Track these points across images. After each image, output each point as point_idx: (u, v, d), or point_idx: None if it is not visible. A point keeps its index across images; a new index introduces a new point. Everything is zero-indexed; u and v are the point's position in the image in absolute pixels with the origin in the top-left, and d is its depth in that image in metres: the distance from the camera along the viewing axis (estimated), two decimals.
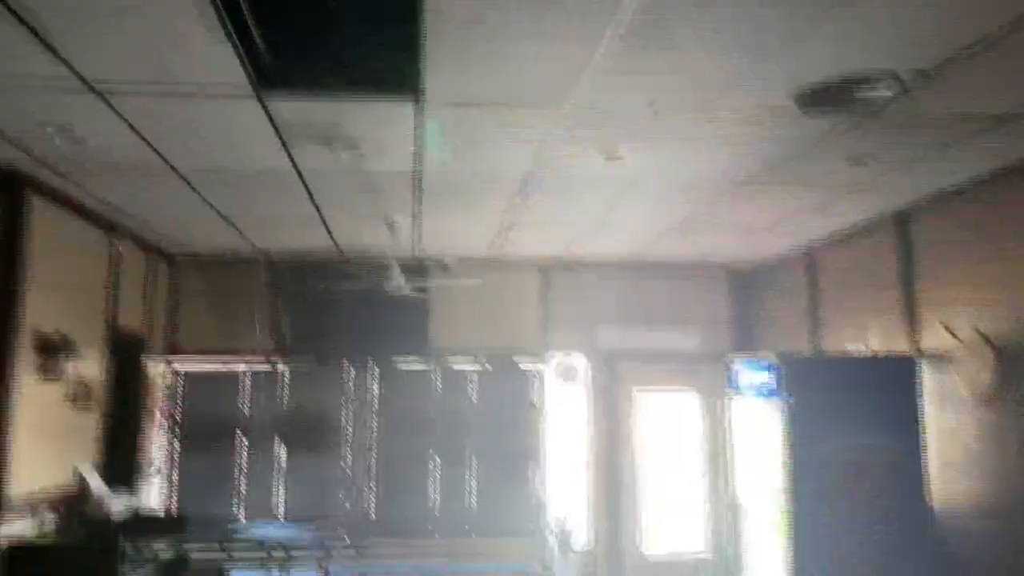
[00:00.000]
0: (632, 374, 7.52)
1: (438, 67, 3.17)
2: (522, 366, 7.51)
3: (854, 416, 4.94)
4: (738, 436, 5.79)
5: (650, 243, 6.67)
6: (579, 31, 2.86)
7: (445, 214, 5.70)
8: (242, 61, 3.11)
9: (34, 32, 2.86)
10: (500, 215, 5.70)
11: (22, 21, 2.77)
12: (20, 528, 4.46)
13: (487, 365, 7.47)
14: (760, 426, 5.30)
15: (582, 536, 7.15)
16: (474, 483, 7.35)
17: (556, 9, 2.70)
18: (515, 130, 3.91)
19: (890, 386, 5.03)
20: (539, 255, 7.24)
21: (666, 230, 6.18)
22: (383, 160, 4.41)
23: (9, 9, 2.68)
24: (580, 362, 7.57)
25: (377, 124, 3.85)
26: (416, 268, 7.09)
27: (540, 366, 7.52)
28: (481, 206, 5.49)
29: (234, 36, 2.89)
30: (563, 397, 7.56)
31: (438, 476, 7.33)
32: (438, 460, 7.36)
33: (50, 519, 4.81)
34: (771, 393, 5.10)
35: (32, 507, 4.60)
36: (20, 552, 4.39)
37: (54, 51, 3.01)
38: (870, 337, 5.62)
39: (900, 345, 5.22)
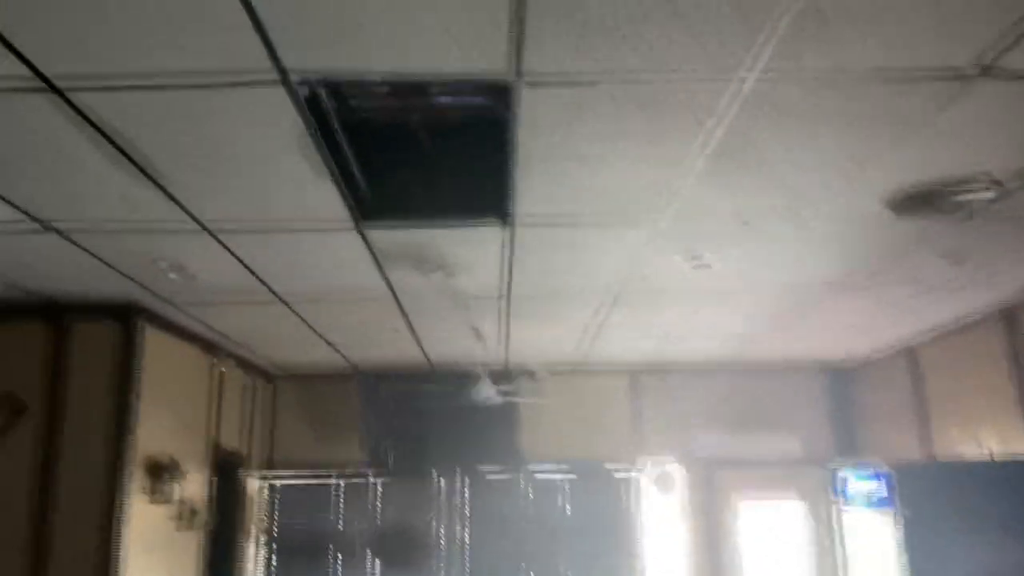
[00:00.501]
0: (731, 481, 7.25)
1: (527, 191, 3.26)
2: (615, 474, 7.35)
3: (977, 526, 4.62)
4: (850, 549, 5.47)
5: (742, 345, 6.55)
6: (667, 152, 2.92)
7: (532, 324, 5.75)
8: (343, 196, 3.28)
9: (151, 179, 3.09)
10: (587, 323, 5.72)
11: (141, 170, 3.00)
12: None
13: (577, 473, 7.33)
14: (873, 537, 5.01)
15: None
16: None
17: (645, 132, 2.77)
18: (603, 245, 3.98)
19: (1017, 493, 4.70)
20: (627, 360, 7.17)
21: (757, 332, 6.07)
22: (472, 277, 4.52)
23: (129, 159, 2.91)
24: (675, 469, 7.36)
25: (466, 245, 3.97)
26: (504, 376, 7.11)
27: (633, 474, 7.34)
28: (568, 316, 5.52)
29: (336, 174, 3.07)
30: (659, 506, 7.32)
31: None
32: (531, 572, 7.16)
33: None
34: (883, 503, 4.84)
35: None
36: None
37: (170, 196, 3.25)
38: (985, 439, 5.30)
39: (1019, 446, 4.91)
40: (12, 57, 2.23)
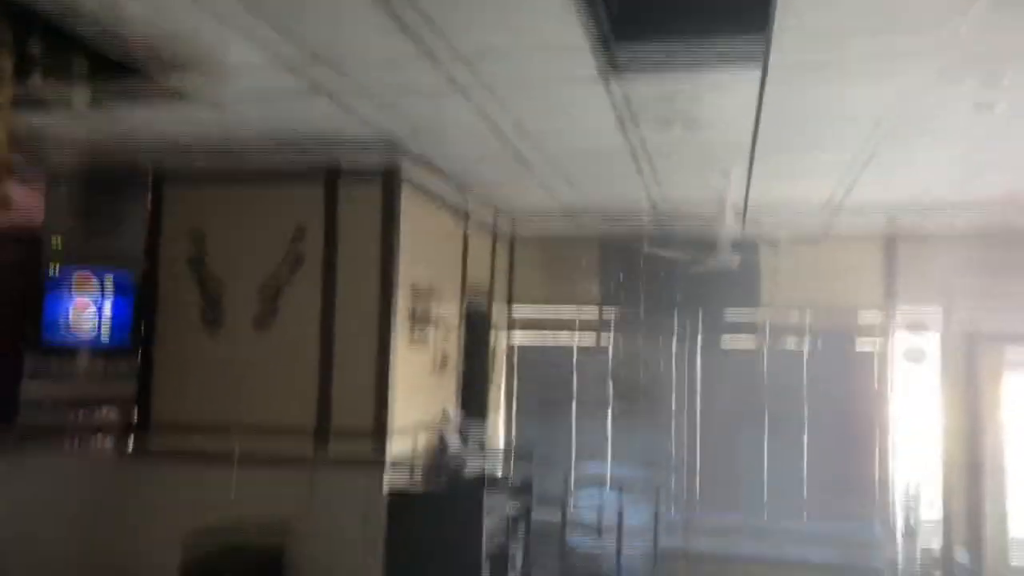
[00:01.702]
0: (992, 355, 6.62)
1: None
2: (862, 344, 7.00)
3: None
4: None
5: (1014, 207, 5.84)
6: None
7: (778, 183, 5.52)
8: (595, 41, 3.25)
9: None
10: (840, 173, 5.31)
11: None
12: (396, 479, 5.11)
13: (820, 343, 7.07)
14: None
15: (932, 508, 6.48)
16: (808, 463, 7.02)
17: None
18: (869, 75, 3.59)
19: None
20: (879, 225, 6.67)
21: None
22: (718, 130, 4.37)
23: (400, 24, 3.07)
24: (929, 342, 6.85)
25: (715, 91, 3.81)
26: (745, 243, 6.90)
27: (881, 346, 6.95)
28: (818, 171, 5.20)
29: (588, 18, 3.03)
30: (910, 381, 6.90)
31: (769, 454, 7.11)
32: (769, 437, 7.12)
33: (419, 471, 5.44)
34: None
35: (403, 459, 5.24)
36: (399, 499, 5.02)
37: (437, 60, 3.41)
38: None
39: None
40: None
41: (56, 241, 5.03)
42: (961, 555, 5.99)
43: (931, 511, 6.49)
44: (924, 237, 6.74)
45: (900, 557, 6.19)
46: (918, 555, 6.10)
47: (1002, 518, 6.41)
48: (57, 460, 5.03)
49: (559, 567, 6.39)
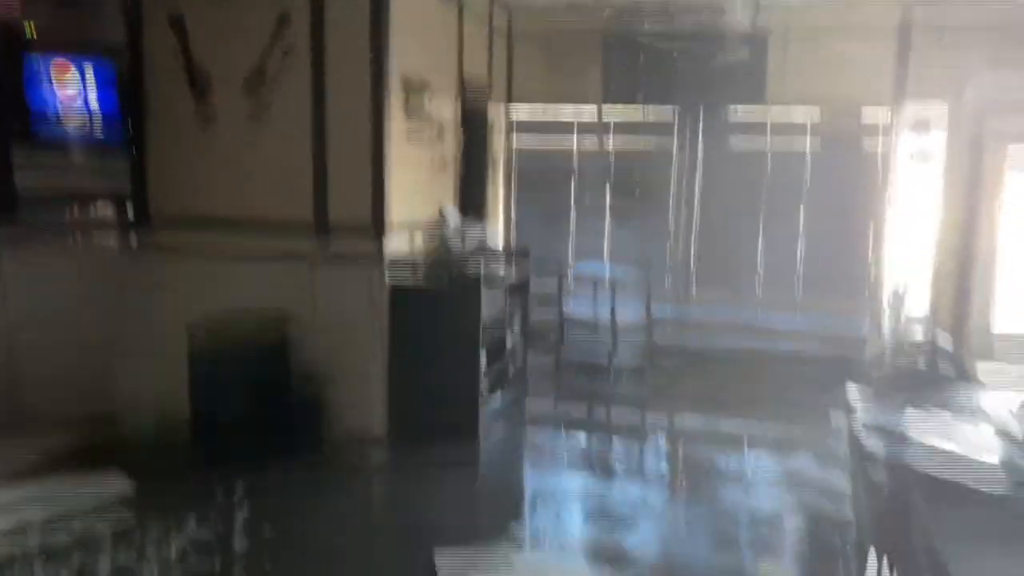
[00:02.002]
0: (1001, 149, 6.50)
1: None
2: (868, 145, 6.88)
3: None
4: None
5: None
6: None
7: None
8: None
9: None
10: None
11: None
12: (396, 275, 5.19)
13: (827, 141, 6.95)
14: None
15: (920, 303, 6.68)
16: (803, 241, 7.13)
17: None
18: None
19: None
20: (896, 17, 6.35)
21: None
22: None
23: None
24: (936, 140, 6.73)
25: None
26: (753, 32, 6.59)
27: (888, 142, 6.83)
28: None
29: None
30: (914, 175, 6.85)
31: (764, 232, 7.21)
32: (765, 216, 7.19)
33: (419, 268, 5.52)
34: None
35: (403, 257, 5.30)
36: (399, 294, 5.14)
37: None
38: None
39: None
40: None
41: (30, 28, 4.81)
42: (944, 340, 6.19)
43: (921, 306, 6.66)
44: (939, 29, 6.44)
45: (888, 350, 6.41)
46: (905, 347, 6.31)
47: (987, 311, 6.60)
48: (61, 257, 5.09)
49: (555, 360, 6.68)
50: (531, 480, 4.72)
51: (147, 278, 5.11)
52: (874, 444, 2.64)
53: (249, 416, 4.62)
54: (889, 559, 2.54)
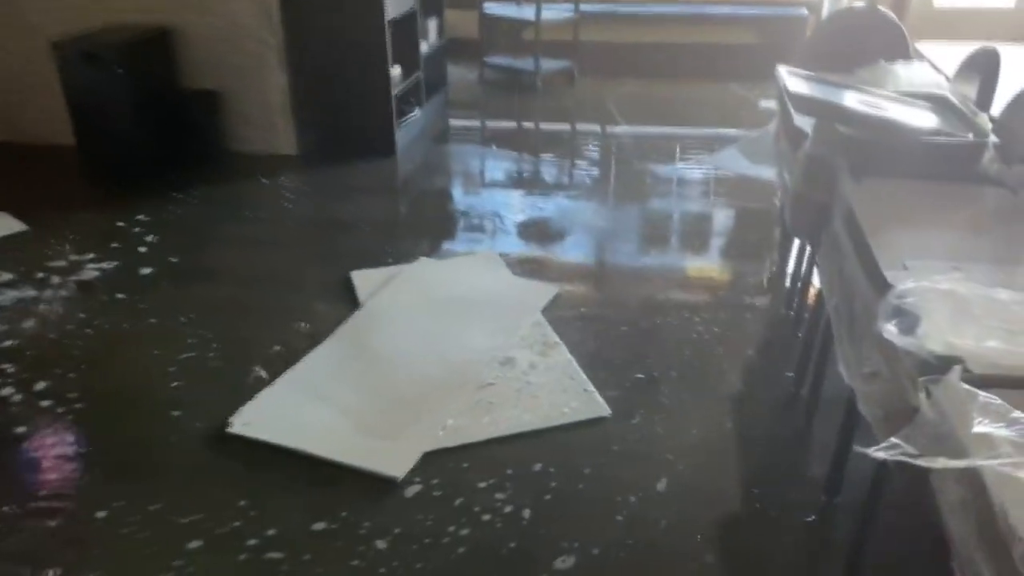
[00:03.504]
0: None
1: None
2: None
3: None
4: None
5: None
6: None
7: None
8: None
9: None
10: None
11: None
12: None
13: None
14: None
15: None
16: None
17: None
18: None
19: None
20: None
21: None
22: None
23: None
24: None
25: None
26: None
27: None
28: None
29: None
30: None
31: None
32: None
33: None
34: None
35: None
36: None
37: None
38: None
39: None
40: None
41: None
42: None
43: None
44: None
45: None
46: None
47: None
48: None
49: (478, 67, 6.22)
50: (455, 196, 4.50)
51: None
52: (803, 121, 2.43)
53: (143, 139, 4.25)
54: (811, 244, 2.44)
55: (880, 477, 1.76)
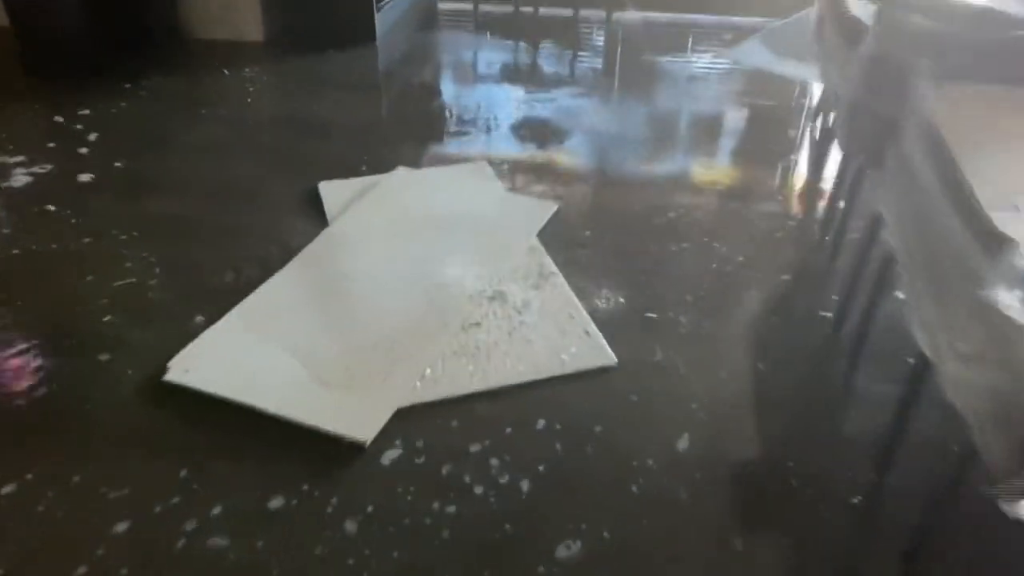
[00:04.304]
0: None
1: None
2: None
3: None
4: None
5: None
6: None
7: None
8: None
9: None
10: None
11: None
12: None
13: None
14: None
15: None
16: None
17: None
18: None
19: None
20: None
21: None
22: None
23: None
24: None
25: None
26: None
27: None
28: None
29: None
30: None
31: None
32: None
33: None
34: None
35: None
36: None
37: None
38: None
39: None
40: None
41: None
42: None
43: None
44: None
45: None
46: None
47: None
48: None
49: None
50: (442, 92, 4.02)
51: None
52: (861, 9, 1.97)
53: (88, 20, 3.75)
54: (871, 165, 2.01)
55: (965, 457, 1.41)
